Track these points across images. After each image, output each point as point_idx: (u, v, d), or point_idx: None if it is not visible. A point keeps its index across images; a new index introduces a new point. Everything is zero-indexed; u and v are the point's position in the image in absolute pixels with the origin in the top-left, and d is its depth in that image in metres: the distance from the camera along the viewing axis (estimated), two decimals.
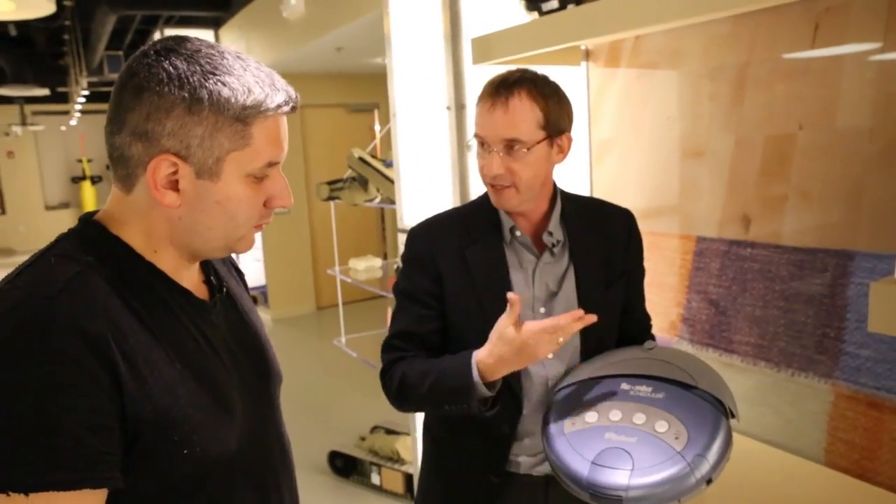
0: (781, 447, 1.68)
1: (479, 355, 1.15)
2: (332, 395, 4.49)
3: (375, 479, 3.12)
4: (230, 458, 0.84)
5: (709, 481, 1.05)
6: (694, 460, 1.04)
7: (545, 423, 1.20)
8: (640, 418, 1.12)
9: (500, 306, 1.22)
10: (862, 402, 1.51)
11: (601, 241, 1.31)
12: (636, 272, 1.41)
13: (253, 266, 7.07)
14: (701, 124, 1.86)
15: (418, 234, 1.31)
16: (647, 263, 2.08)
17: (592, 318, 1.13)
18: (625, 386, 1.19)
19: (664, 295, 2.01)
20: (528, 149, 1.19)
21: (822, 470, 1.57)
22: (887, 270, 1.45)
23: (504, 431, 1.26)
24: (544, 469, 1.27)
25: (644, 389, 1.17)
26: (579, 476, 1.09)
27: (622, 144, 2.12)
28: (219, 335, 0.89)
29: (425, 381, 1.22)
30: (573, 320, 1.11)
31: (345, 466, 3.23)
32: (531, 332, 1.11)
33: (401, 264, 1.35)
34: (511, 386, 1.24)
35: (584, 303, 1.26)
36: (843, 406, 1.54)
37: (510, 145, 1.20)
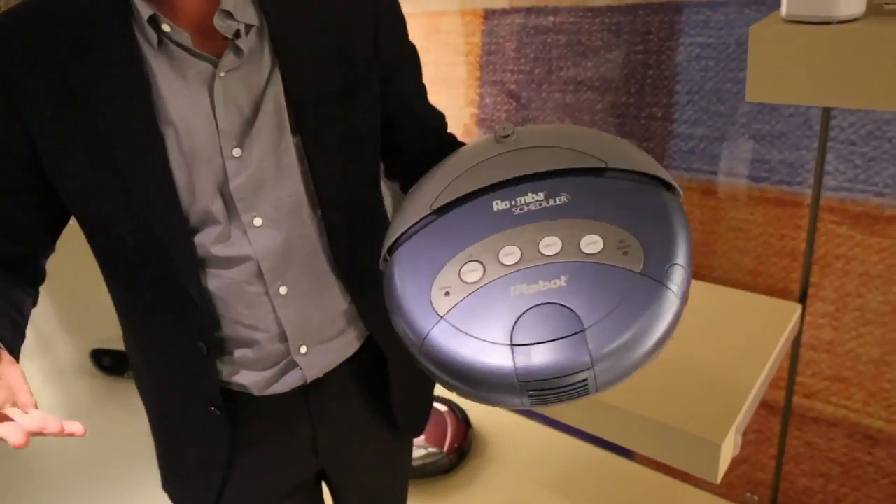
0: None
1: None
2: (82, 284, 3.68)
3: None
4: None
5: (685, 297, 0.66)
6: (667, 273, 0.63)
7: (395, 317, 0.70)
8: (551, 245, 0.67)
9: (150, 158, 0.68)
10: (696, 192, 1.26)
11: (326, 17, 0.77)
12: (400, 55, 0.87)
13: None
14: None
15: None
16: (426, 55, 1.61)
17: (76, 430, 0.58)
18: (500, 205, 0.71)
19: (452, 93, 1.59)
20: None
21: None
22: (726, 23, 1.12)
23: (199, 349, 0.78)
24: (293, 381, 0.85)
25: (534, 199, 0.71)
26: (502, 373, 0.63)
27: None
28: None
29: None
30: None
31: (114, 364, 2.69)
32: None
33: None
34: (179, 275, 0.74)
35: (303, 126, 0.75)
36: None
37: None
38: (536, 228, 0.68)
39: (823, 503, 1.31)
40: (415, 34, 1.63)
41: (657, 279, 0.63)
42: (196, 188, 0.71)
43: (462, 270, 0.68)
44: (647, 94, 1.25)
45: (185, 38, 0.68)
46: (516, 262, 0.66)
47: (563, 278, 0.64)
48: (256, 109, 0.72)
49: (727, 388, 1.03)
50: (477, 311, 0.65)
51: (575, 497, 1.58)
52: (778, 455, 1.33)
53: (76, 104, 0.67)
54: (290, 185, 0.75)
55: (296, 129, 0.74)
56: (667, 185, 0.70)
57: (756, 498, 1.41)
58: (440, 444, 1.71)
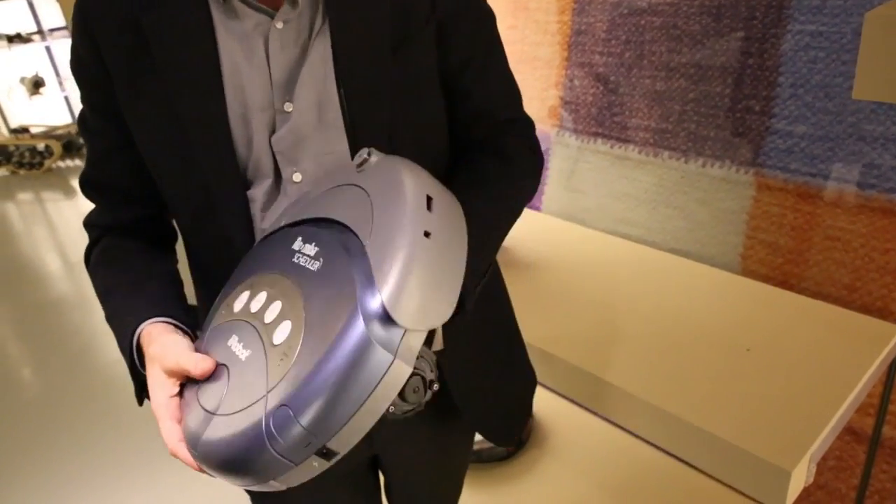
0: (689, 256, 1.35)
1: (148, 333, 0.69)
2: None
3: None
4: None
5: (324, 454, 0.55)
6: (276, 415, 0.53)
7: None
8: (272, 311, 0.62)
9: (211, 108, 0.69)
10: (791, 194, 1.16)
11: None
12: (455, 17, 0.77)
13: None
14: None
15: (77, 13, 0.72)
16: (513, 33, 1.55)
17: (206, 367, 0.64)
18: (298, 244, 0.67)
19: (538, 73, 1.53)
20: None
21: (738, 279, 1.26)
22: (843, 9, 1.01)
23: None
24: None
25: (308, 253, 0.64)
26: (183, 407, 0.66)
27: None
28: None
29: (105, 305, 0.77)
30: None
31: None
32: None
33: None
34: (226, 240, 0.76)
35: (348, 81, 0.71)
36: (768, 201, 1.19)
37: None
38: (283, 286, 0.63)
39: None
40: (502, 11, 1.58)
41: (265, 410, 0.54)
42: (251, 140, 0.71)
43: (240, 295, 0.67)
44: (746, 86, 1.15)
45: None
46: (253, 312, 0.63)
47: (247, 354, 0.61)
48: (302, 61, 0.71)
49: (806, 412, 0.95)
50: (214, 340, 0.66)
51: (631, 502, 1.52)
52: (860, 487, 1.23)
53: (146, 54, 0.69)
54: (333, 141, 0.73)
55: (340, 82, 0.71)
56: (384, 308, 0.55)
57: None
58: None
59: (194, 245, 0.81)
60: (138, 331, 0.70)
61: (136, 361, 0.71)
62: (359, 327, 0.53)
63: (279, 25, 0.69)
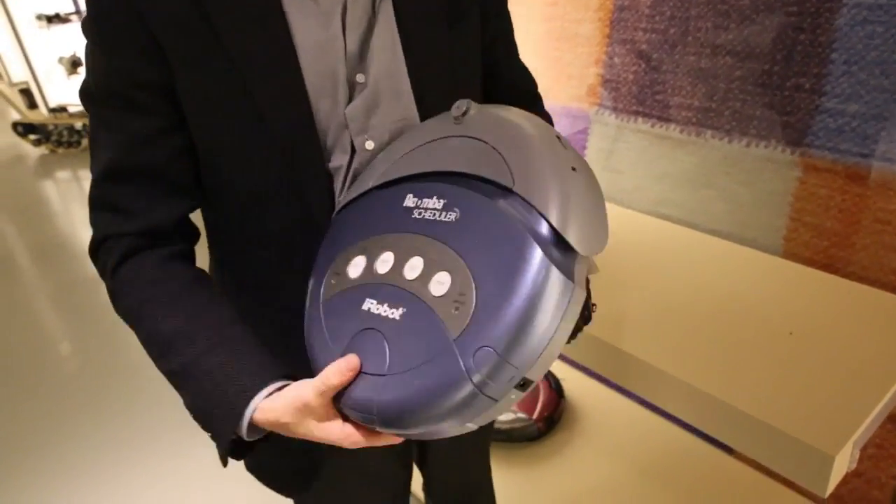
0: (730, 238, 1.32)
1: (263, 411, 0.62)
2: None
3: None
4: None
5: (522, 385, 0.55)
6: (477, 356, 0.53)
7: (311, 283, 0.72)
8: (413, 267, 0.61)
9: (288, 84, 0.68)
10: (840, 175, 1.13)
11: None
12: (496, 2, 0.83)
13: None
14: None
15: None
16: (553, 10, 1.53)
17: (352, 364, 0.61)
18: (410, 201, 0.65)
19: (577, 51, 1.51)
20: None
21: (780, 262, 1.23)
22: None
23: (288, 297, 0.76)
24: None
25: (433, 206, 0.63)
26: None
27: None
28: None
29: (170, 358, 0.68)
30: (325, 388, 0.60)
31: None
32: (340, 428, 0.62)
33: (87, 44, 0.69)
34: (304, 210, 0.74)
35: (411, 51, 0.73)
36: (814, 182, 1.16)
37: None
38: (416, 242, 0.62)
39: None
40: None
41: (460, 355, 0.54)
42: (330, 114, 0.71)
43: (352, 261, 0.67)
44: (795, 63, 1.12)
45: None
46: (384, 273, 0.63)
47: (400, 312, 0.60)
48: (370, 31, 0.71)
49: (851, 397, 0.93)
50: (338, 310, 0.65)
51: (662, 484, 1.52)
52: None
53: (209, 29, 0.66)
54: (405, 108, 0.75)
55: (406, 51, 0.73)
56: (557, 236, 0.55)
57: None
58: (530, 411, 1.69)
59: (258, 230, 0.76)
60: (254, 406, 0.64)
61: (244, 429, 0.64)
62: (538, 255, 0.54)
63: None
